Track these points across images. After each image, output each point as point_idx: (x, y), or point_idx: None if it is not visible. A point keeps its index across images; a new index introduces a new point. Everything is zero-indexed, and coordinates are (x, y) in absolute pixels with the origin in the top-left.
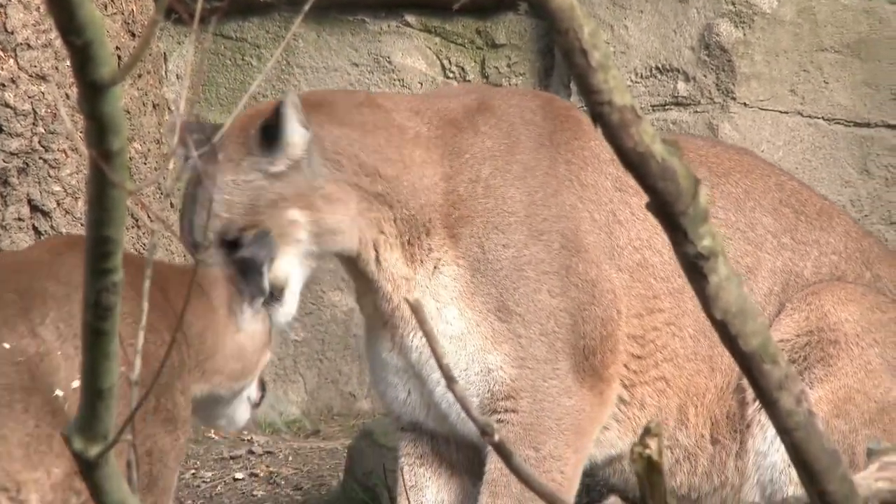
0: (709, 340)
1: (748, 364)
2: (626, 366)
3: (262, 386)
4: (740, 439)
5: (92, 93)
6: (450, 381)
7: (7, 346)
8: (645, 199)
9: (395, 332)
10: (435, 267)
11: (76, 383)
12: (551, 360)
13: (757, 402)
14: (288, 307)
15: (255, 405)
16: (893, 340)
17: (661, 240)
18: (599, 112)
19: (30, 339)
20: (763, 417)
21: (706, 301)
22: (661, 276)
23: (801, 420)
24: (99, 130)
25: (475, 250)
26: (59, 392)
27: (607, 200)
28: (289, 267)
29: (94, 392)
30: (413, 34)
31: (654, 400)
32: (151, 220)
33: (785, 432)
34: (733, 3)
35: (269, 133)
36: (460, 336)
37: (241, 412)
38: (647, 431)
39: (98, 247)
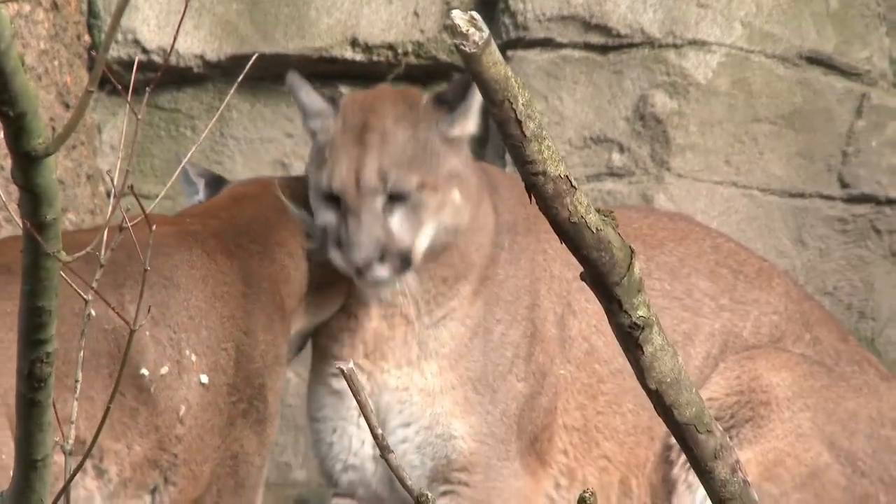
0: (648, 412)
1: (683, 434)
2: (564, 453)
3: None
4: (669, 499)
5: (26, 164)
6: (384, 450)
7: (93, 312)
8: None
9: (376, 369)
10: (443, 317)
11: (165, 369)
12: (507, 440)
13: (683, 462)
14: (411, 275)
15: None
16: (825, 407)
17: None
18: (534, 182)
19: (155, 312)
20: (691, 477)
21: (641, 371)
22: (605, 358)
23: (736, 490)
24: (33, 201)
25: (481, 315)
26: (144, 371)
27: (566, 292)
28: (426, 240)
29: (28, 463)
30: None
31: (596, 478)
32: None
33: (720, 502)
34: (668, 74)
35: (444, 100)
36: (431, 392)
37: None
38: (582, 501)
39: (32, 317)
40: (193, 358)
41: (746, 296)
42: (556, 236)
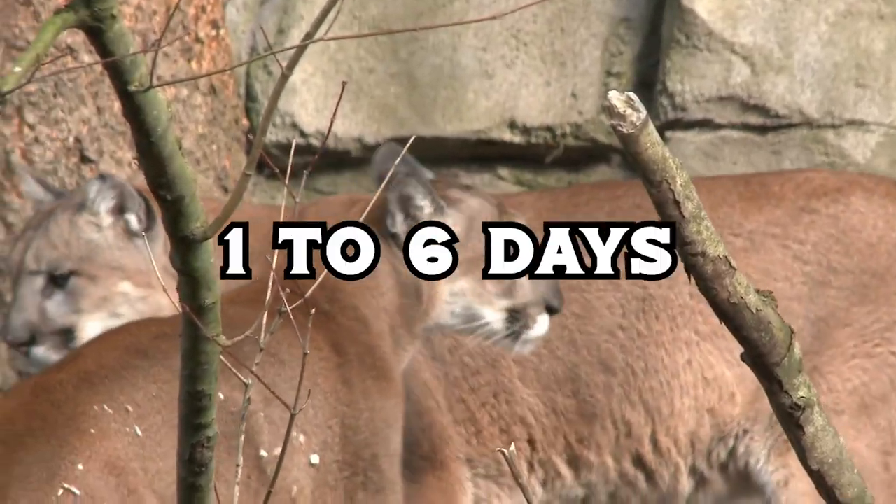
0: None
1: None
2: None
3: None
4: None
5: (184, 248)
6: None
7: (221, 396)
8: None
9: None
10: None
11: (277, 450)
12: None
13: None
14: None
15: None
16: None
17: None
18: (693, 263)
19: (267, 393)
20: None
21: (802, 452)
22: (476, 350)
23: None
24: (191, 285)
25: None
26: (263, 452)
27: None
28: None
29: None
30: (506, 187)
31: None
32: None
33: None
34: (826, 154)
35: None
36: None
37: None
38: None
39: (192, 402)
40: (302, 439)
41: None
42: None
